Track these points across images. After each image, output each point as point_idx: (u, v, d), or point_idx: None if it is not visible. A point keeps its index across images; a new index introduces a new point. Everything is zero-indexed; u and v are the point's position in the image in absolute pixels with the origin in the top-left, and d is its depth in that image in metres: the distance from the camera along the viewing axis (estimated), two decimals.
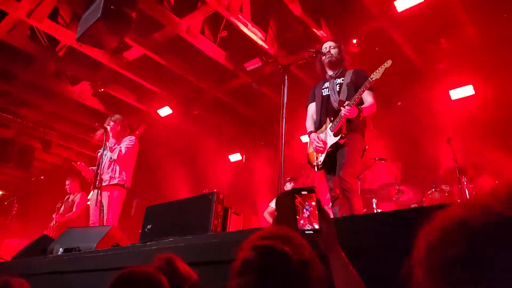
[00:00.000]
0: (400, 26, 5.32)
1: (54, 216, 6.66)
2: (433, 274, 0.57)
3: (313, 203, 1.20)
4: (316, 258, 0.90)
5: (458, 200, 3.90)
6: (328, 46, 3.55)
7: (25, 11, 5.23)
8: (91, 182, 4.73)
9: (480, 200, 0.58)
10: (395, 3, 4.86)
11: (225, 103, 7.60)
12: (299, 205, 1.20)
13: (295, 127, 5.92)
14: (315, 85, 3.73)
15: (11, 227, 9.04)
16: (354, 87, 3.33)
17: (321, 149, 3.31)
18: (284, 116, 3.11)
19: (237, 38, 5.85)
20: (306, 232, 1.17)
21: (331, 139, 3.25)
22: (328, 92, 3.48)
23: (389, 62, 3.10)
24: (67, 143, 9.61)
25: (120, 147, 4.67)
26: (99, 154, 4.76)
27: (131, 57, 6.45)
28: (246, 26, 5.38)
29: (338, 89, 3.41)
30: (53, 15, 5.65)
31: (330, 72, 3.54)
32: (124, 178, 4.65)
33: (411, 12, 4.90)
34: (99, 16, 4.26)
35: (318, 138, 3.34)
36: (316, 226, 1.17)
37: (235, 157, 8.65)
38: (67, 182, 6.99)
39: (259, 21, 5.60)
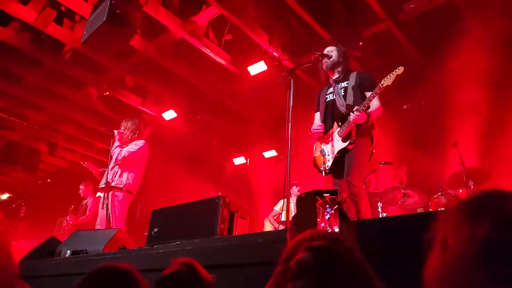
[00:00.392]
0: (407, 28, 5.32)
1: (67, 218, 6.75)
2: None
3: (335, 206, 1.20)
4: (367, 262, 0.87)
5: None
6: (326, 51, 3.55)
7: (31, 15, 5.29)
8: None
9: None
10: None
11: (230, 106, 7.62)
12: (320, 207, 1.19)
13: (301, 130, 5.91)
14: (319, 91, 3.72)
15: (19, 229, 9.12)
16: (360, 90, 3.32)
17: (320, 131, 3.36)
18: (290, 119, 3.11)
19: (242, 41, 5.87)
20: None
21: (339, 145, 3.24)
22: (333, 96, 3.46)
23: (401, 69, 3.07)
24: (72, 146, 9.67)
25: (121, 150, 4.69)
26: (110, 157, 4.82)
27: (136, 61, 6.49)
28: (250, 29, 5.40)
29: (343, 93, 3.39)
30: (59, 19, 5.70)
31: (333, 76, 3.53)
32: (123, 182, 4.61)
33: (418, 14, 4.89)
34: (104, 19, 4.29)
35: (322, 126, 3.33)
36: (336, 230, 1.17)
37: (239, 160, 8.66)
38: (81, 187, 7.13)
39: (264, 24, 5.62)
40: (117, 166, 4.67)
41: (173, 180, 8.45)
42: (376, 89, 3.12)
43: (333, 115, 3.40)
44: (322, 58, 3.47)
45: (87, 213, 6.68)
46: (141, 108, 7.84)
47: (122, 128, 4.86)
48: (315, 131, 3.48)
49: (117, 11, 4.27)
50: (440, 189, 4.99)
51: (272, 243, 1.79)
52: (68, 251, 3.20)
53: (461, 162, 4.79)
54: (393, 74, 3.08)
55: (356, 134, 3.17)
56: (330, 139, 3.35)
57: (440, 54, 5.68)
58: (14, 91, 7.39)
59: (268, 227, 6.33)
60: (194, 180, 8.18)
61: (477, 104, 5.75)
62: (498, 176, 5.02)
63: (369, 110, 3.20)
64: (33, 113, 8.26)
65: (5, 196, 11.84)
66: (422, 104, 6.20)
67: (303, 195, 1.27)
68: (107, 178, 4.55)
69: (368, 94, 3.19)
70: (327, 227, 1.17)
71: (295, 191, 6.11)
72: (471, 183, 4.83)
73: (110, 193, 4.50)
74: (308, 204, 1.22)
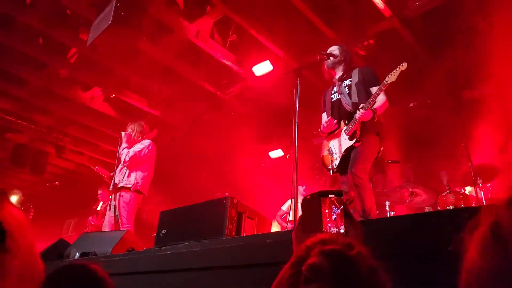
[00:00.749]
0: (412, 25, 5.29)
1: (90, 218, 6.87)
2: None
3: (341, 207, 1.19)
4: (380, 268, 0.86)
5: (473, 203, 3.80)
6: (329, 50, 3.55)
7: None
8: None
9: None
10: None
11: (235, 106, 7.62)
12: (326, 208, 1.19)
13: (308, 130, 5.90)
14: (325, 92, 3.72)
15: None
16: (363, 86, 3.31)
17: (331, 127, 3.34)
18: (296, 119, 3.10)
19: (247, 41, 5.87)
20: None
21: (346, 143, 3.24)
22: (338, 96, 3.46)
23: (405, 65, 3.07)
24: (80, 149, 9.74)
25: (128, 151, 4.73)
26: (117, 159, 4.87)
27: (141, 62, 6.51)
28: (255, 29, 5.40)
29: (347, 91, 3.38)
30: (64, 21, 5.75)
31: (336, 76, 3.53)
32: (132, 181, 4.66)
33: (424, 12, 4.86)
34: (110, 22, 4.31)
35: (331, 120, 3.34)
36: (342, 230, 1.16)
37: (248, 160, 8.65)
38: (99, 192, 7.36)
39: (269, 24, 5.61)
40: (125, 167, 4.72)
41: (179, 182, 8.47)
42: (381, 86, 3.12)
43: (340, 114, 3.40)
44: (328, 58, 3.47)
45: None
46: (147, 109, 7.87)
47: (129, 130, 4.91)
48: (325, 128, 3.46)
49: (122, 13, 4.30)
50: (448, 187, 4.95)
51: (281, 243, 1.79)
52: (77, 253, 3.22)
53: (469, 160, 4.75)
54: (397, 70, 3.08)
55: (362, 132, 3.17)
56: (338, 137, 3.34)
57: (446, 51, 5.64)
58: (20, 94, 7.46)
59: (275, 227, 6.33)
60: (200, 181, 8.19)
61: (485, 101, 5.70)
62: (507, 173, 4.97)
63: (374, 106, 3.18)
64: (40, 116, 8.32)
65: (14, 199, 11.96)
66: (429, 102, 6.16)
67: (308, 197, 1.27)
68: (114, 180, 4.58)
69: (372, 89, 3.19)
70: (333, 228, 1.17)
71: (301, 190, 6.11)
72: (479, 181, 4.79)
73: (118, 194, 4.54)
74: (313, 205, 1.22)
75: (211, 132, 8.31)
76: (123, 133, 4.86)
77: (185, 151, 8.54)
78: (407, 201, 5.22)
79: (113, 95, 7.58)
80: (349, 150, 3.22)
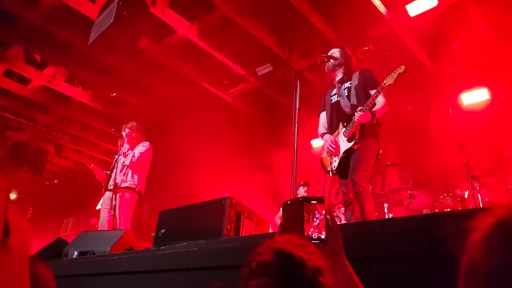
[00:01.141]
0: (412, 30, 5.30)
1: (93, 220, 6.85)
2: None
3: (323, 212, 1.21)
4: (328, 267, 0.91)
5: (471, 206, 3.80)
6: (331, 53, 3.56)
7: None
8: (104, 185, 4.81)
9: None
10: (407, 7, 4.85)
11: (236, 107, 7.63)
12: (308, 213, 1.20)
13: (307, 131, 5.91)
14: (325, 93, 3.73)
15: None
16: (363, 89, 3.32)
17: (333, 150, 3.30)
18: (296, 121, 3.11)
19: (248, 42, 5.88)
20: (312, 241, 1.18)
21: (345, 145, 3.24)
22: (337, 98, 3.47)
23: (403, 68, 3.08)
24: (79, 147, 9.73)
25: (134, 152, 4.77)
26: (115, 159, 4.87)
27: (143, 62, 6.52)
28: (257, 30, 5.41)
29: (347, 94, 3.39)
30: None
31: (336, 78, 3.54)
32: (136, 182, 4.73)
33: (423, 15, 4.88)
34: (111, 21, 4.32)
35: (332, 141, 3.33)
36: (323, 236, 1.19)
37: (247, 161, 8.65)
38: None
39: (270, 26, 5.63)
40: (127, 167, 4.74)
41: (179, 181, 8.47)
42: (379, 89, 3.12)
43: (338, 116, 3.41)
44: (328, 60, 3.48)
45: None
46: (148, 109, 7.88)
47: (128, 130, 4.92)
48: (324, 141, 3.46)
49: (124, 12, 4.31)
50: (446, 190, 4.97)
51: None
52: (75, 252, 3.22)
53: (467, 163, 4.77)
54: (395, 73, 3.09)
55: (361, 134, 3.17)
56: (336, 140, 3.35)
57: (444, 54, 5.66)
58: (21, 92, 7.46)
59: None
60: (199, 181, 8.20)
61: (482, 104, 5.72)
62: (504, 177, 4.99)
63: (374, 109, 3.19)
64: (40, 114, 8.32)
65: (12, 197, 11.94)
66: (428, 105, 6.18)
67: (289, 202, 1.29)
68: (115, 179, 4.60)
69: (371, 92, 3.20)
70: (315, 233, 1.19)
71: (301, 191, 6.11)
72: (476, 184, 4.81)
73: (119, 194, 4.56)
74: (295, 210, 1.23)
75: (211, 132, 8.32)
76: (124, 133, 4.87)
77: (185, 151, 8.54)
78: (405, 203, 5.23)
79: (114, 94, 7.58)
80: (348, 152, 3.22)
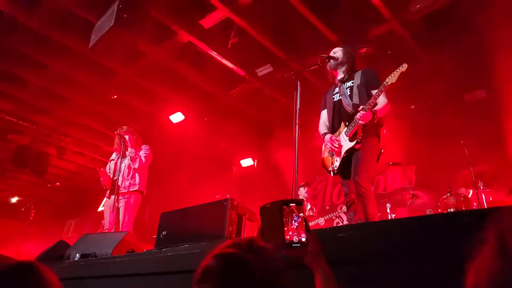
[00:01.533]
0: (413, 29, 5.29)
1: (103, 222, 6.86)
2: None
3: (301, 215, 1.20)
4: (286, 271, 0.87)
5: (474, 204, 3.79)
6: (333, 52, 3.54)
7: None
8: (107, 189, 4.81)
9: None
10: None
11: (237, 108, 7.63)
12: (286, 216, 1.19)
13: (309, 132, 5.90)
14: (326, 91, 3.71)
15: (29, 232, 9.22)
16: (365, 88, 3.30)
17: (336, 150, 3.29)
18: (297, 121, 3.10)
19: (249, 43, 5.87)
20: (294, 245, 1.17)
21: (347, 144, 3.23)
22: (339, 97, 3.45)
23: (405, 66, 3.06)
24: (81, 150, 9.75)
25: (140, 156, 4.83)
26: (112, 162, 4.87)
27: (144, 64, 6.53)
28: (257, 31, 5.41)
29: (349, 93, 3.38)
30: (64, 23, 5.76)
31: (338, 77, 3.51)
32: (142, 184, 4.85)
33: (424, 14, 4.87)
34: (112, 24, 4.33)
35: (334, 140, 3.32)
36: (303, 239, 1.17)
37: (246, 162, 8.65)
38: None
39: (270, 27, 5.62)
40: (132, 170, 4.79)
41: (180, 183, 8.47)
42: (381, 87, 3.11)
43: (340, 115, 3.39)
44: (328, 60, 3.46)
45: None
46: (149, 111, 7.88)
47: (129, 134, 4.96)
48: (326, 142, 3.45)
49: (124, 15, 4.32)
50: (449, 190, 4.94)
51: None
52: (77, 255, 3.22)
53: (470, 162, 4.75)
54: (397, 71, 3.07)
55: (362, 133, 3.16)
56: (338, 139, 3.33)
57: (446, 54, 5.65)
58: (22, 95, 7.48)
59: None
60: (202, 182, 8.20)
61: (485, 104, 5.70)
62: (507, 176, 4.96)
63: (375, 108, 3.18)
64: (41, 116, 8.34)
65: (14, 200, 11.97)
66: (430, 104, 6.16)
67: (268, 205, 1.27)
68: (119, 182, 4.64)
69: (373, 92, 3.18)
70: (295, 236, 1.18)
71: (302, 192, 6.10)
72: (480, 184, 4.79)
73: (124, 197, 4.63)
74: (274, 214, 1.21)
75: (212, 134, 8.32)
76: (126, 136, 4.90)
77: (187, 153, 8.54)
78: (408, 203, 5.21)
79: (115, 97, 7.59)
80: (349, 151, 3.21)
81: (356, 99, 3.28)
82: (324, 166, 3.49)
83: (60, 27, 5.71)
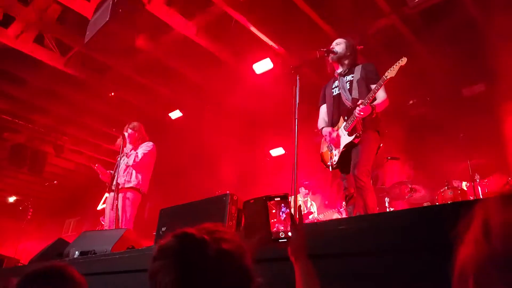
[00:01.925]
0: (411, 23, 5.28)
1: (101, 218, 6.86)
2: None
3: (285, 210, 1.20)
4: (245, 253, 0.88)
5: (471, 197, 3.81)
6: (334, 43, 3.50)
7: (32, 16, 5.31)
8: (108, 185, 4.78)
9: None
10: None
11: (236, 104, 7.60)
12: (272, 210, 1.19)
13: (308, 127, 5.89)
14: (325, 85, 3.69)
15: (27, 231, 9.19)
16: (365, 83, 3.28)
17: (335, 140, 3.28)
18: (296, 117, 3.09)
19: (247, 38, 5.85)
20: (280, 240, 1.17)
21: (345, 139, 3.22)
22: (338, 91, 3.43)
23: (404, 60, 3.05)
24: (79, 148, 9.71)
25: (137, 152, 4.75)
26: (118, 159, 4.84)
27: (141, 61, 6.49)
28: (255, 26, 5.38)
29: (348, 87, 3.36)
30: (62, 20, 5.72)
31: (338, 70, 3.49)
32: (140, 182, 4.70)
33: (422, 8, 4.86)
34: (107, 19, 4.29)
35: (331, 133, 3.31)
36: (289, 233, 1.18)
37: (247, 158, 8.64)
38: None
39: (268, 21, 5.60)
40: (130, 168, 4.73)
41: (180, 179, 8.46)
42: (380, 81, 3.10)
43: (339, 110, 3.38)
44: (328, 54, 3.44)
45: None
46: (147, 108, 7.85)
47: (130, 130, 4.89)
48: (324, 134, 3.45)
49: (119, 10, 4.28)
50: (447, 183, 4.97)
51: None
52: (77, 252, 3.20)
53: (467, 156, 4.77)
54: (396, 65, 3.06)
55: (362, 128, 3.15)
56: (337, 134, 3.33)
57: (444, 49, 5.64)
58: (17, 94, 7.43)
59: None
60: (201, 179, 8.19)
61: (483, 98, 5.71)
62: (504, 169, 4.99)
63: (374, 103, 3.17)
64: (38, 115, 8.30)
65: (12, 199, 11.93)
66: (428, 99, 6.17)
67: (251, 201, 1.26)
68: (117, 179, 4.59)
69: (373, 87, 3.17)
70: (281, 232, 1.18)
71: (303, 191, 6.12)
72: (477, 177, 4.82)
73: (121, 194, 4.56)
74: (259, 209, 1.21)
75: (211, 130, 8.30)
76: (126, 133, 4.83)
77: (185, 150, 8.52)
78: (406, 197, 5.24)
79: (112, 94, 7.55)
80: (348, 146, 3.20)
81: (355, 94, 3.27)
82: (323, 161, 3.48)
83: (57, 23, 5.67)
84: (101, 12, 4.45)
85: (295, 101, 3.16)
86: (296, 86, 3.21)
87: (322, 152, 3.50)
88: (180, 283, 0.78)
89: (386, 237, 1.54)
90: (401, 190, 5.29)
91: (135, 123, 4.97)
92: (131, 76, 6.83)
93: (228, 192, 2.52)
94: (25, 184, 11.25)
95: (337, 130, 3.33)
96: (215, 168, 8.42)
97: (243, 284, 0.83)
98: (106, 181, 4.86)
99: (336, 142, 3.29)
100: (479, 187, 4.78)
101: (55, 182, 9.72)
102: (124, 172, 4.70)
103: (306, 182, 6.26)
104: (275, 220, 1.19)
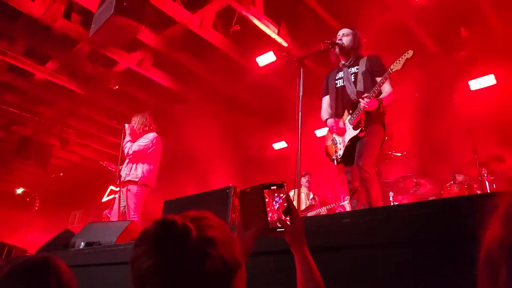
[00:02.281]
0: (418, 16, 5.22)
1: (105, 212, 6.91)
2: None
3: (282, 195, 1.19)
4: (232, 241, 0.87)
5: (478, 192, 3.79)
6: (340, 33, 3.43)
7: (39, 11, 5.32)
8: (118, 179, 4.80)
9: None
10: None
11: (239, 98, 7.59)
12: (268, 197, 1.18)
13: (311, 120, 5.87)
14: (327, 74, 3.61)
15: (34, 222, 9.30)
16: (370, 75, 3.23)
17: (342, 129, 3.25)
18: (300, 109, 3.07)
19: (250, 31, 5.82)
20: (278, 230, 1.16)
21: (350, 133, 3.19)
22: (343, 82, 3.36)
23: (410, 53, 2.99)
24: (84, 141, 9.77)
25: (132, 145, 4.69)
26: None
27: (144, 54, 6.49)
28: (259, 19, 5.34)
29: (353, 79, 3.30)
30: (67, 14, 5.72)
31: (343, 61, 3.42)
32: (139, 175, 4.62)
33: (430, 1, 4.79)
34: (112, 12, 4.28)
35: (336, 122, 3.28)
36: (287, 222, 1.16)
37: (250, 152, 8.65)
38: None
39: (271, 14, 5.56)
40: (128, 160, 4.71)
41: (182, 174, 8.49)
42: (386, 75, 3.04)
43: (343, 103, 3.33)
44: (333, 47, 3.40)
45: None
46: (150, 102, 7.86)
47: (133, 122, 4.87)
48: (329, 126, 3.41)
49: (124, 3, 4.27)
50: (453, 178, 4.93)
51: None
52: (82, 243, 3.24)
53: (474, 150, 4.73)
54: (402, 58, 3.01)
55: (367, 121, 3.11)
56: (343, 123, 3.29)
57: (452, 41, 5.58)
58: (24, 86, 7.47)
59: None
60: (201, 174, 8.21)
61: (490, 91, 5.65)
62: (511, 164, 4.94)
63: (381, 96, 3.12)
64: (44, 108, 8.35)
65: (20, 191, 12.08)
66: (435, 92, 6.11)
67: (248, 190, 1.24)
68: (119, 173, 4.60)
69: (378, 79, 3.12)
70: (275, 217, 1.18)
71: (303, 181, 6.10)
72: (484, 171, 4.77)
73: (125, 188, 4.56)
74: (255, 198, 1.19)
75: (214, 124, 8.30)
76: (126, 125, 4.80)
77: (188, 144, 8.54)
78: (411, 191, 5.21)
79: (117, 87, 7.56)
80: (353, 140, 3.17)
81: (360, 86, 3.22)
82: (328, 155, 3.45)
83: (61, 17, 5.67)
84: (106, 5, 4.44)
85: (299, 93, 3.14)
86: (300, 79, 3.18)
87: (326, 145, 3.47)
88: (158, 269, 0.78)
89: (391, 230, 1.53)
90: (405, 184, 5.26)
91: (138, 115, 4.93)
92: (135, 69, 6.83)
93: (231, 184, 2.53)
94: (32, 176, 11.36)
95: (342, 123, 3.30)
96: (217, 161, 8.43)
97: (227, 272, 0.82)
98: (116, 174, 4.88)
99: (343, 131, 3.26)
100: (486, 182, 4.74)
101: (61, 174, 9.80)
102: (126, 166, 4.70)
103: (309, 175, 6.24)
104: (268, 209, 1.18)
